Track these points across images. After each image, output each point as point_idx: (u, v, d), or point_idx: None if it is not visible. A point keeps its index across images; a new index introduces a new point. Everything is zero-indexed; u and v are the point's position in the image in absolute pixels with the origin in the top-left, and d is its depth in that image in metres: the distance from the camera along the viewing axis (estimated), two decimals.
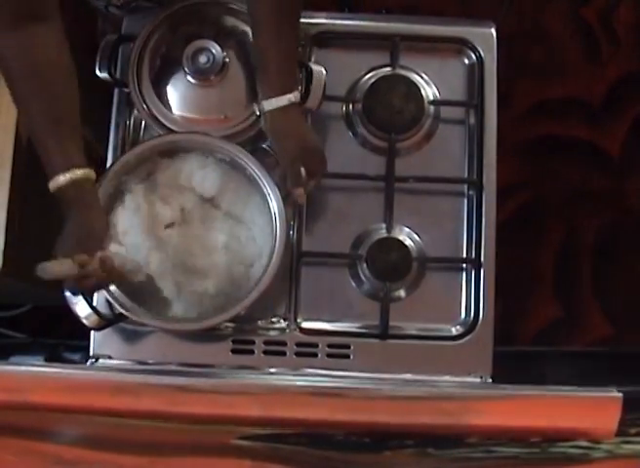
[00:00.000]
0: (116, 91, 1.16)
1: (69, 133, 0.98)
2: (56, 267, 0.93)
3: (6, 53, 0.93)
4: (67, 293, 1.01)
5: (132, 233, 1.04)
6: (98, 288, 1.01)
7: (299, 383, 0.91)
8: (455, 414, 0.84)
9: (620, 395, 0.82)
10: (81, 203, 0.99)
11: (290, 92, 1.03)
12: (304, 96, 1.09)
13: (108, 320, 1.03)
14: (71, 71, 0.99)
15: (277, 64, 1.03)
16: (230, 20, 1.14)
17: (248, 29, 1.13)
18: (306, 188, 1.05)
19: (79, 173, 0.96)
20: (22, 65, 0.94)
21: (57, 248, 0.97)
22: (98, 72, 1.11)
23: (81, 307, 1.01)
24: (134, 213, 1.05)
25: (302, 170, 1.03)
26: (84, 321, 1.02)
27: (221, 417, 0.84)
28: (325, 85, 1.10)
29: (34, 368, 0.90)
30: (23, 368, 0.88)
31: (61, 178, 0.96)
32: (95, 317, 1.02)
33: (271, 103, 1.03)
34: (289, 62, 1.04)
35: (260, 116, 1.06)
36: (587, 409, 0.85)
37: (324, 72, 1.10)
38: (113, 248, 1.01)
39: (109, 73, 1.12)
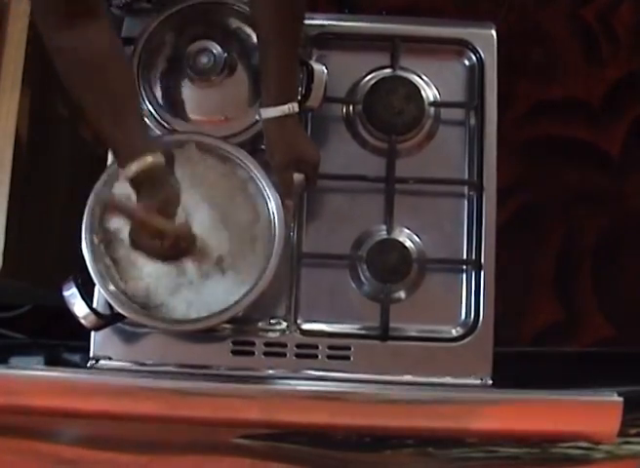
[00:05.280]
0: None
1: (133, 121, 0.99)
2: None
3: (63, 47, 0.94)
4: (65, 293, 1.01)
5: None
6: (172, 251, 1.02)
7: (298, 387, 0.91)
8: (455, 418, 0.84)
9: (621, 399, 0.82)
10: (156, 184, 0.99)
11: (287, 102, 1.03)
12: (305, 94, 1.09)
13: (106, 320, 1.03)
14: (126, 63, 1.02)
15: (277, 75, 1.03)
16: (231, 21, 1.15)
17: (249, 30, 1.13)
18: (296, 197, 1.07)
19: (149, 159, 0.97)
20: (79, 59, 0.94)
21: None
22: None
23: (79, 307, 1.01)
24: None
25: (295, 179, 1.05)
26: (82, 321, 1.02)
27: (221, 421, 0.84)
28: (326, 84, 1.10)
29: (34, 371, 0.90)
30: (23, 371, 0.88)
31: (133, 167, 0.96)
32: (93, 317, 1.02)
33: (268, 112, 1.03)
34: (290, 73, 1.04)
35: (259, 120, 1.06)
36: (588, 414, 0.85)
37: (325, 71, 1.10)
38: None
39: None
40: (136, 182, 0.98)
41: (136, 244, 1.01)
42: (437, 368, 1.10)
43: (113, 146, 1.01)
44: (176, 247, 1.01)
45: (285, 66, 1.03)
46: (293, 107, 1.03)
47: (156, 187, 1.00)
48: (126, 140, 0.98)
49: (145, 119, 1.12)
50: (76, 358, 1.30)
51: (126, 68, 1.01)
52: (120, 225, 1.05)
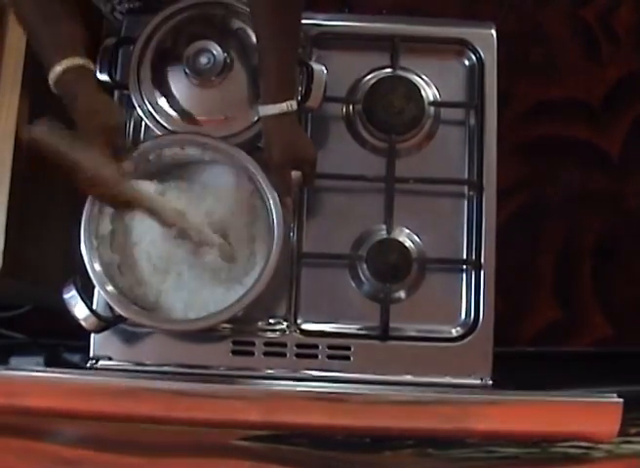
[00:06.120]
0: (116, 93, 1.16)
1: (65, 24, 0.97)
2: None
3: None
4: (65, 295, 1.01)
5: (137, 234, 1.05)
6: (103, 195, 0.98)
7: (298, 388, 0.91)
8: (455, 419, 0.84)
9: (621, 400, 0.82)
10: (84, 90, 0.96)
11: (286, 100, 1.02)
12: (305, 94, 1.09)
13: (107, 322, 1.03)
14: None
15: (276, 73, 1.03)
16: (231, 21, 1.14)
17: (249, 29, 1.13)
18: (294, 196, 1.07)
19: (76, 61, 0.94)
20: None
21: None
22: (98, 75, 1.11)
23: (79, 309, 1.01)
24: (137, 212, 1.05)
25: (292, 178, 1.05)
26: (82, 323, 1.02)
27: (221, 422, 0.84)
28: (326, 84, 1.10)
29: (34, 372, 0.90)
30: (23, 372, 0.88)
31: (57, 68, 0.94)
32: (93, 319, 1.01)
33: (266, 110, 1.03)
34: (288, 71, 1.04)
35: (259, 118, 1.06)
36: (588, 415, 0.85)
37: (325, 71, 1.11)
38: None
39: (110, 76, 1.12)
40: (62, 89, 0.94)
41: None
42: (437, 368, 1.10)
43: (42, 51, 0.96)
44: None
45: (284, 64, 1.03)
46: (291, 105, 1.03)
47: (88, 102, 0.95)
48: (54, 44, 0.95)
49: (146, 119, 1.12)
50: (76, 358, 1.30)
51: None
52: (119, 225, 1.05)
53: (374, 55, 1.20)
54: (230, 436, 0.88)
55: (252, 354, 1.11)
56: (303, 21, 1.09)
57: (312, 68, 1.10)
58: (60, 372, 0.90)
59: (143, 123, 1.15)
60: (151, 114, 1.11)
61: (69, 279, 1.03)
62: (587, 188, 1.82)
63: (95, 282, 1.02)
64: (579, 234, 1.80)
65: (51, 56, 0.95)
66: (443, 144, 1.19)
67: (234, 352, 1.10)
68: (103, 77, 1.11)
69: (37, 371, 0.93)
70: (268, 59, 1.03)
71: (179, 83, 1.13)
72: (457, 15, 1.75)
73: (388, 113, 1.17)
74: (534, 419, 0.86)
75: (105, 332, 1.07)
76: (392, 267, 1.13)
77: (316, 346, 1.11)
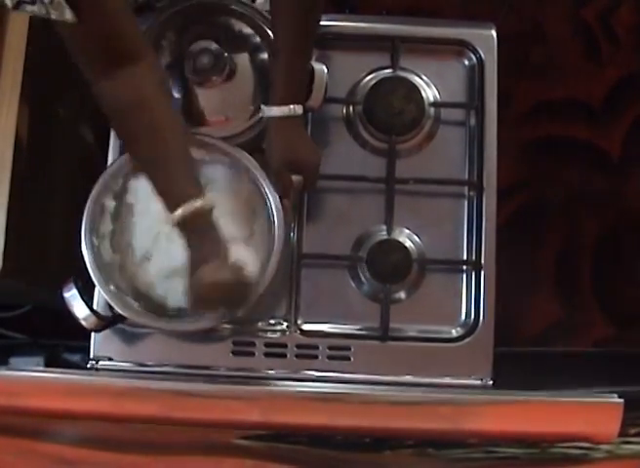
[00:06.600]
0: None
1: (180, 165, 0.96)
2: None
3: (107, 93, 0.93)
4: (65, 295, 1.01)
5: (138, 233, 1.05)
6: None
7: (298, 388, 0.91)
8: (455, 419, 0.84)
9: (621, 400, 0.82)
10: (201, 233, 0.95)
11: (291, 103, 1.03)
12: (306, 94, 1.09)
13: (107, 321, 1.03)
14: (170, 104, 0.98)
15: (286, 75, 1.03)
16: (232, 21, 1.14)
17: (249, 30, 1.13)
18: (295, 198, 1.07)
19: (196, 204, 0.93)
20: (120, 106, 0.93)
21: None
22: None
23: (79, 308, 1.01)
24: (138, 212, 1.05)
25: (292, 181, 1.05)
26: (82, 322, 1.02)
27: (221, 422, 0.84)
28: (327, 84, 1.10)
29: (34, 372, 0.90)
30: (23, 372, 0.88)
31: (179, 212, 0.93)
32: (93, 318, 1.01)
33: (270, 111, 1.04)
34: (299, 75, 1.05)
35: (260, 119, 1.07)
36: (588, 415, 0.85)
37: (326, 71, 1.10)
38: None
39: None
40: (183, 228, 0.95)
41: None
42: (437, 368, 1.10)
43: (161, 191, 0.96)
44: None
45: (295, 67, 1.03)
46: (295, 109, 1.03)
47: (207, 235, 0.95)
48: (172, 185, 0.95)
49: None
50: (76, 358, 1.30)
51: (170, 110, 0.97)
52: (120, 224, 1.05)
53: (374, 55, 1.20)
54: (231, 435, 0.88)
55: (252, 354, 1.11)
56: None
57: (313, 68, 1.10)
58: (60, 373, 0.90)
59: None
60: None
61: (70, 278, 1.03)
62: (587, 188, 1.82)
63: (95, 281, 1.02)
64: (579, 234, 1.80)
65: (171, 197, 0.94)
66: (443, 145, 1.19)
67: (234, 352, 1.10)
68: None
69: (37, 372, 0.93)
70: (281, 61, 1.03)
71: (180, 83, 1.13)
72: (457, 15, 1.75)
73: (389, 114, 1.17)
74: (533, 419, 0.86)
75: (106, 333, 1.07)
76: (392, 268, 1.13)
77: (316, 347, 1.11)
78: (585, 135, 1.85)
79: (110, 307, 1.03)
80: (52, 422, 0.88)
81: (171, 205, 0.94)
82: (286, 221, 1.05)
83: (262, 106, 1.05)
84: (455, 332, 1.12)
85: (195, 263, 0.94)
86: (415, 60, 1.20)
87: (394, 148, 1.16)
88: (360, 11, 1.63)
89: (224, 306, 0.99)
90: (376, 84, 1.18)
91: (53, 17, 0.83)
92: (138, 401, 0.85)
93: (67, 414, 0.84)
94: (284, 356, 1.11)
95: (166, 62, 1.13)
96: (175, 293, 1.04)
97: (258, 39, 1.13)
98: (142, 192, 1.05)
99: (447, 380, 1.09)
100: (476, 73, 1.19)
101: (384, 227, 1.15)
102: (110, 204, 1.05)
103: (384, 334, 1.11)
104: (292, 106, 1.03)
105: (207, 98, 1.13)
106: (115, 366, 1.09)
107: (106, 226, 1.05)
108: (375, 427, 0.85)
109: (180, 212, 0.93)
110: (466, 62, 1.21)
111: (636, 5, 1.90)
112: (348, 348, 1.11)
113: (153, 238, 1.05)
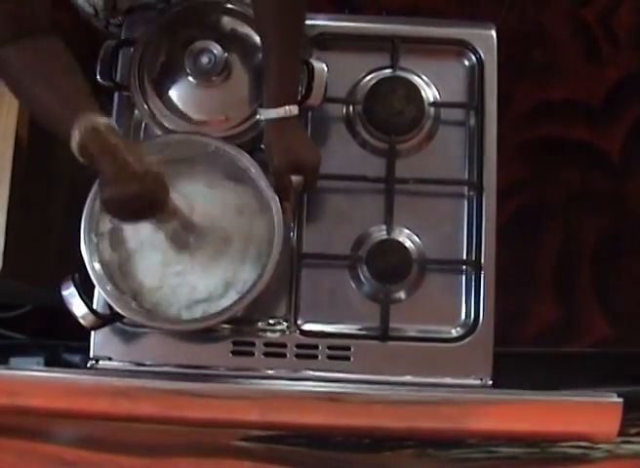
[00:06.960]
0: (116, 94, 1.16)
1: (81, 99, 0.94)
2: None
3: (10, 59, 0.95)
4: (64, 292, 1.01)
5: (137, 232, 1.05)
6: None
7: (298, 388, 0.91)
8: (455, 419, 0.84)
9: (621, 400, 0.82)
10: (103, 153, 0.90)
11: (286, 104, 1.03)
12: (306, 93, 1.09)
13: (105, 319, 1.03)
14: (73, 63, 0.97)
15: (277, 77, 1.03)
16: (231, 22, 1.14)
17: (249, 30, 1.13)
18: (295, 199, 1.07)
19: (94, 119, 0.90)
20: (26, 68, 0.94)
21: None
22: (99, 79, 1.11)
23: (77, 306, 1.01)
24: None
25: (293, 181, 1.04)
26: (80, 320, 1.02)
27: (221, 422, 0.84)
28: (327, 81, 1.10)
29: (34, 372, 0.90)
30: (23, 372, 0.88)
31: (76, 133, 0.90)
32: (91, 316, 1.01)
33: (267, 113, 1.04)
34: (290, 75, 1.04)
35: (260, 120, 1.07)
36: (588, 415, 0.85)
37: (325, 69, 1.10)
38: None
39: (110, 77, 1.12)
40: (86, 152, 0.90)
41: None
42: (437, 368, 1.10)
43: (58, 125, 0.93)
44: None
45: (286, 69, 1.03)
46: (291, 110, 1.03)
47: (115, 156, 0.90)
48: (70, 113, 0.91)
49: (146, 120, 1.11)
50: (76, 358, 1.30)
51: (72, 66, 0.96)
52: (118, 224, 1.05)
53: (374, 55, 1.20)
54: (230, 436, 0.88)
55: (252, 354, 1.11)
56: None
57: (313, 66, 1.10)
58: (59, 373, 0.91)
59: (144, 123, 1.15)
60: (152, 115, 1.12)
61: (68, 275, 1.03)
62: (587, 188, 1.82)
63: (94, 280, 1.02)
64: (579, 234, 1.80)
65: (66, 122, 0.91)
66: (443, 145, 1.19)
67: (234, 352, 1.10)
68: (104, 81, 1.12)
69: (37, 371, 0.93)
70: (272, 64, 1.03)
71: (179, 83, 1.13)
72: (457, 15, 1.75)
73: (388, 114, 1.17)
74: (533, 419, 0.86)
75: (105, 333, 1.07)
76: (392, 268, 1.13)
77: (316, 346, 1.11)
78: (585, 135, 1.85)
79: (109, 305, 1.03)
80: (52, 423, 0.88)
81: (66, 131, 0.90)
82: (286, 222, 1.05)
83: (259, 109, 1.05)
84: (454, 332, 1.12)
85: (102, 185, 0.92)
86: (415, 60, 1.20)
87: (394, 148, 1.16)
88: (360, 11, 1.63)
89: (142, 215, 0.96)
90: (375, 84, 1.18)
91: None
92: (137, 400, 0.85)
93: (67, 414, 0.84)
94: (284, 356, 1.11)
95: (166, 62, 1.13)
96: (174, 292, 1.04)
97: (257, 39, 1.13)
98: None
99: (447, 380, 1.09)
100: (476, 73, 1.19)
101: (384, 227, 1.15)
102: None
103: (384, 334, 1.11)
104: (287, 107, 1.03)
105: (206, 98, 1.13)
106: (115, 366, 1.09)
107: (106, 225, 1.05)
108: (375, 427, 0.85)
109: (76, 133, 0.89)
110: (466, 62, 1.21)
111: (636, 5, 1.90)
112: (348, 348, 1.11)
113: (153, 237, 1.05)
